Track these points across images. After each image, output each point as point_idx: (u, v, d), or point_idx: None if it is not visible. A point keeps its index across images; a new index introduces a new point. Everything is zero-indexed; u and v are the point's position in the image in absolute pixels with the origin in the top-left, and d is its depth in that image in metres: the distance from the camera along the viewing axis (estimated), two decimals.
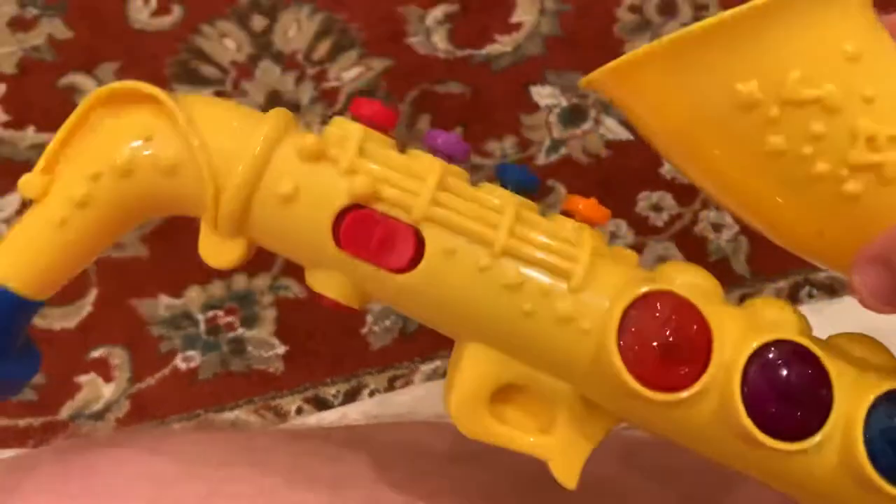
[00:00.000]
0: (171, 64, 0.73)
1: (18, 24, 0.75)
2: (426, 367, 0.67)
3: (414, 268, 0.25)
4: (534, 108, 0.73)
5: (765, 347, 0.24)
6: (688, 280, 0.25)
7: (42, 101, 0.72)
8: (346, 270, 0.25)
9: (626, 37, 0.75)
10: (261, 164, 0.24)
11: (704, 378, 0.24)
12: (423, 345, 0.67)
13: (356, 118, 0.26)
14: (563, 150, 0.71)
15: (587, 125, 0.73)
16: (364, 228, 0.24)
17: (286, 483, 0.29)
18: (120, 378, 0.66)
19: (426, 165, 0.25)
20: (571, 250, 0.25)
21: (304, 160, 0.25)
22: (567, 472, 0.26)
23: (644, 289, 0.24)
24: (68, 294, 0.67)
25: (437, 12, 0.76)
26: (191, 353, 0.66)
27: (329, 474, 0.30)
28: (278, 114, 0.25)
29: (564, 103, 0.73)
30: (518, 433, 0.26)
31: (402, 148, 0.26)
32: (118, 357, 0.66)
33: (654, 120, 0.26)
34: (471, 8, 0.76)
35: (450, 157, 0.26)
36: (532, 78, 0.74)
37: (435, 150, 0.26)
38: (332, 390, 0.66)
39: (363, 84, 0.73)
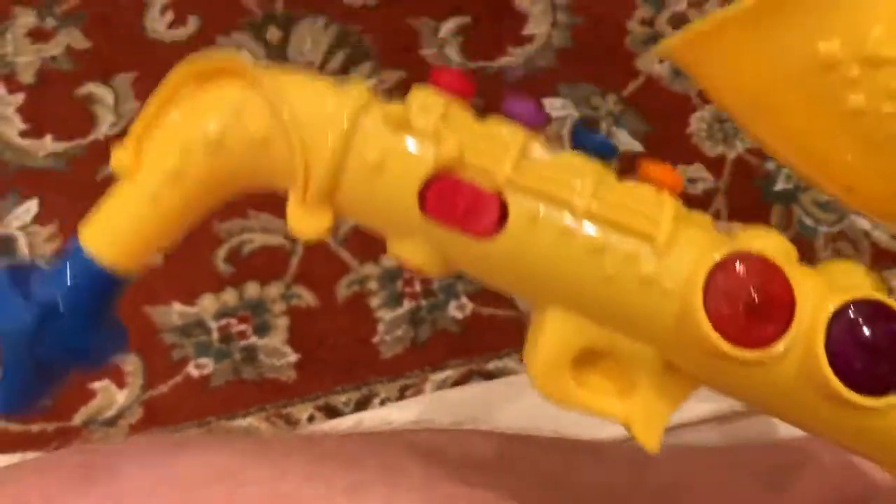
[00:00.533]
0: None
1: (37, 35, 0.76)
2: (436, 377, 0.67)
3: (498, 233, 0.25)
4: (546, 120, 0.74)
5: (846, 306, 0.24)
6: (767, 243, 0.26)
7: (59, 110, 0.73)
8: (430, 237, 0.26)
9: (638, 49, 0.76)
10: (350, 133, 0.25)
11: (789, 334, 0.24)
12: (434, 354, 0.68)
13: (436, 87, 0.26)
14: None
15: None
16: (450, 195, 0.25)
17: (303, 488, 0.30)
18: (133, 385, 0.66)
19: (507, 132, 0.25)
20: (653, 213, 0.25)
21: (391, 129, 0.25)
22: (649, 436, 0.26)
23: (728, 250, 0.25)
24: None
25: (450, 24, 0.76)
26: (203, 360, 0.67)
27: (345, 480, 0.31)
28: (361, 83, 0.26)
29: (576, 115, 0.74)
30: (599, 397, 0.27)
31: (482, 116, 0.27)
32: (131, 364, 0.67)
33: (731, 85, 0.26)
34: (483, 20, 0.76)
35: (528, 125, 0.26)
36: (544, 90, 0.75)
37: (514, 119, 0.26)
38: (343, 398, 0.66)
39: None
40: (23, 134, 0.72)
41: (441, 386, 0.66)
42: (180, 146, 0.25)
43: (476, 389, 0.44)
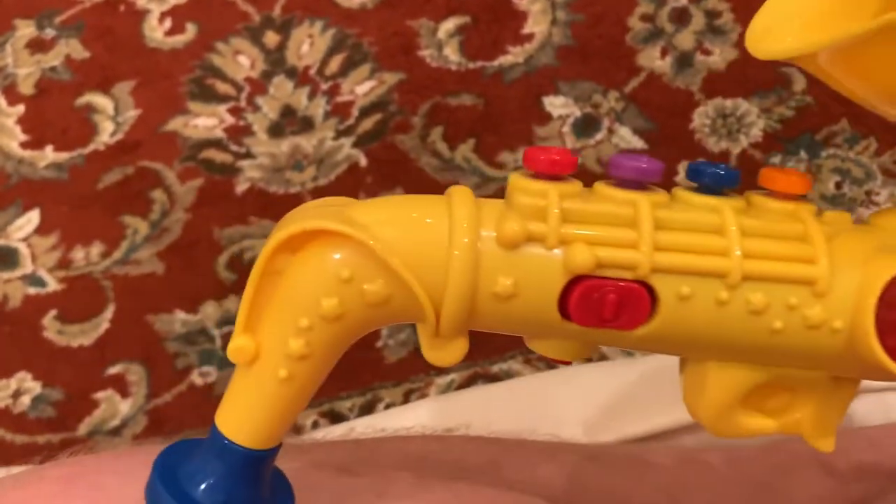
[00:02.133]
0: (185, 81, 0.74)
1: (37, 46, 0.76)
2: (441, 381, 0.66)
3: (651, 319, 0.24)
4: (547, 118, 0.73)
5: None
6: None
7: (60, 120, 0.73)
8: (578, 337, 0.24)
9: (639, 46, 0.75)
10: (472, 270, 0.23)
11: None
12: None
13: (534, 173, 0.24)
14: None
15: (600, 135, 0.72)
16: (593, 300, 0.23)
17: None
18: (137, 394, 0.66)
19: (630, 207, 0.24)
20: (806, 249, 0.24)
21: (510, 249, 0.23)
22: (823, 439, 0.26)
23: (891, 273, 0.23)
24: (86, 311, 0.68)
25: (449, 25, 0.76)
26: (207, 368, 0.67)
27: (334, 488, 0.30)
28: (464, 199, 0.24)
29: (578, 113, 0.73)
30: (769, 421, 0.26)
31: (587, 189, 0.25)
32: (135, 373, 0.67)
33: (869, 85, 0.25)
34: (482, 20, 0.76)
35: (643, 185, 0.24)
36: (545, 88, 0.74)
37: (625, 181, 0.24)
38: (348, 404, 0.66)
39: (376, 98, 0.74)
40: (23, 145, 0.72)
41: (446, 390, 0.66)
42: (300, 325, 0.23)
43: (474, 394, 0.43)
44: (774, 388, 0.26)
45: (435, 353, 0.24)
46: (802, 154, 0.72)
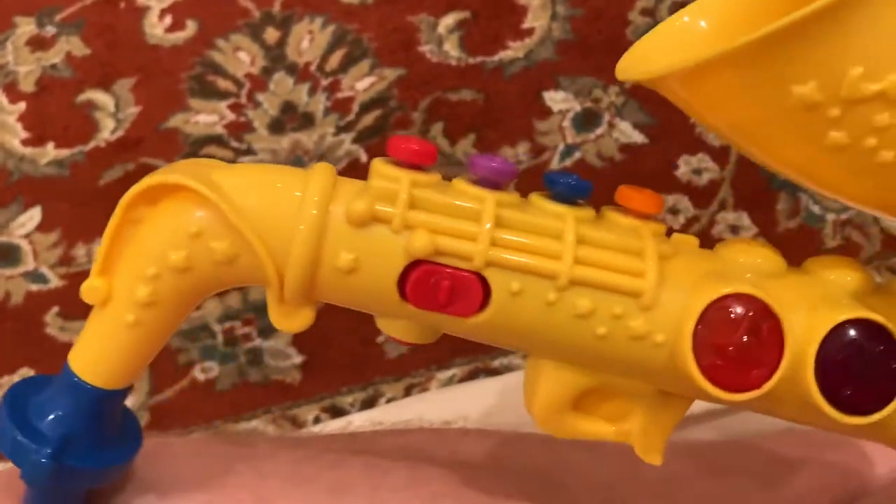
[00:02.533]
0: (186, 78, 0.74)
1: (37, 43, 0.76)
2: (442, 375, 0.66)
3: (482, 309, 0.25)
4: (547, 113, 0.73)
5: (834, 330, 0.24)
6: (750, 261, 0.26)
7: (61, 117, 0.73)
8: (416, 318, 0.26)
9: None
10: (316, 242, 0.24)
11: (778, 374, 0.24)
12: (440, 353, 0.67)
13: (396, 160, 0.25)
14: (577, 155, 0.71)
15: (601, 129, 0.72)
16: (428, 285, 0.25)
17: (285, 489, 0.29)
18: (139, 390, 0.66)
19: (477, 203, 0.25)
20: (637, 264, 0.25)
21: (357, 227, 0.25)
22: (650, 453, 0.27)
23: (712, 297, 0.25)
24: (88, 308, 0.68)
25: (449, 20, 0.76)
26: (209, 363, 0.67)
27: (329, 480, 0.30)
28: (321, 176, 0.25)
29: (578, 108, 0.73)
30: (600, 425, 0.27)
31: (445, 181, 0.26)
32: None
33: (713, 118, 0.26)
34: (482, 15, 0.76)
35: (497, 184, 0.26)
36: (545, 83, 0.74)
37: (482, 180, 0.26)
38: (349, 399, 0.66)
39: (376, 94, 0.74)
40: (25, 142, 0.73)
41: (447, 384, 0.66)
42: (148, 273, 0.25)
43: (472, 387, 0.43)
44: (609, 394, 0.27)
45: (280, 319, 0.26)
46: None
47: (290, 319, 0.26)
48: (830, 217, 0.70)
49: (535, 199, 0.26)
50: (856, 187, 0.25)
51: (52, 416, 0.26)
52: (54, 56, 0.75)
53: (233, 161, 0.71)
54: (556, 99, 0.73)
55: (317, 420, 0.65)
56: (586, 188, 0.27)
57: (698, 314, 0.24)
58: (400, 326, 0.27)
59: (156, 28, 0.76)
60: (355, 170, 0.71)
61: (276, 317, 0.26)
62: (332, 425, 0.37)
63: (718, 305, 0.24)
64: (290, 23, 0.76)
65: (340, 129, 0.72)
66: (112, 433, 0.27)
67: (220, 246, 0.25)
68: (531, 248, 0.25)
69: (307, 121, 0.73)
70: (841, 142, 0.23)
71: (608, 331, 0.25)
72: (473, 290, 0.25)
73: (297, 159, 0.71)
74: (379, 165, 0.26)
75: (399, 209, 0.25)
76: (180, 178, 0.25)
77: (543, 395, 0.27)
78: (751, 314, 0.24)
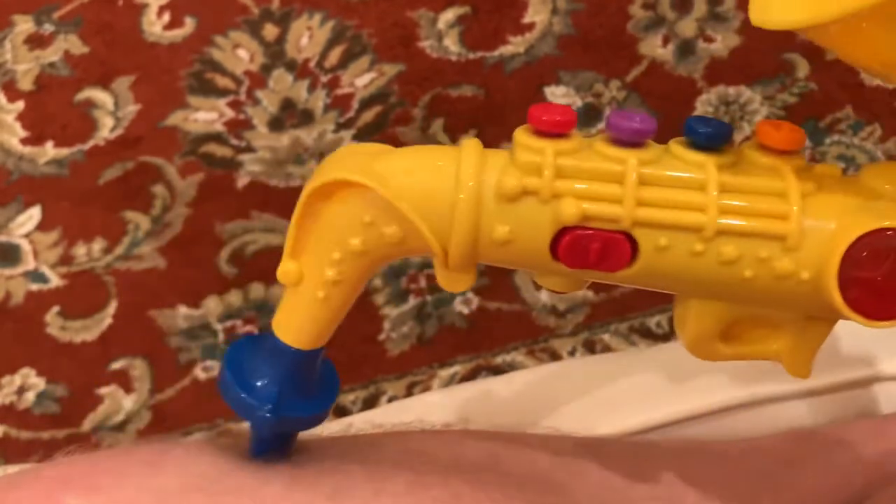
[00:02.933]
0: (185, 76, 0.74)
1: (35, 42, 0.76)
2: (444, 373, 0.66)
3: (632, 264, 0.26)
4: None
5: None
6: (894, 188, 0.26)
7: (60, 116, 0.73)
8: (569, 275, 0.27)
9: (640, 34, 0.74)
10: (474, 217, 0.26)
11: None
12: (442, 350, 0.67)
13: (538, 129, 0.26)
14: None
15: (602, 124, 0.72)
16: (579, 248, 0.26)
17: (285, 494, 0.29)
18: (140, 389, 0.66)
19: (620, 164, 0.26)
20: (781, 206, 0.26)
21: (508, 201, 0.26)
22: (800, 369, 0.28)
23: (856, 234, 0.25)
24: (88, 307, 0.68)
25: (449, 15, 0.75)
26: (210, 363, 0.67)
27: (329, 484, 0.30)
28: (472, 153, 0.26)
29: (579, 103, 0.73)
30: (747, 348, 0.28)
31: (587, 143, 0.27)
32: (138, 368, 0.67)
33: (868, 61, 0.26)
34: (482, 9, 0.75)
35: (636, 143, 0.26)
36: (546, 78, 0.73)
37: (621, 140, 0.26)
38: (351, 397, 0.66)
39: (376, 90, 0.73)
40: (24, 141, 0.72)
41: (449, 382, 0.66)
42: (333, 258, 0.28)
43: (473, 387, 0.43)
44: (755, 321, 0.28)
45: (447, 282, 0.28)
46: (807, 141, 0.71)
47: (456, 282, 0.28)
48: None
49: (676, 149, 0.27)
50: None
51: (266, 377, 0.30)
52: (52, 54, 0.75)
53: (233, 159, 0.71)
54: (557, 94, 0.73)
55: None
56: (726, 133, 0.27)
57: (843, 252, 0.25)
58: (556, 280, 0.28)
59: (154, 25, 0.75)
60: None
61: (443, 281, 0.28)
62: (333, 426, 0.36)
63: (862, 242, 0.25)
64: (289, 19, 0.75)
65: (340, 126, 0.72)
66: (314, 386, 0.32)
67: (389, 230, 0.27)
68: (676, 203, 0.26)
69: (307, 118, 0.72)
70: None
71: (754, 273, 0.26)
72: (622, 248, 0.26)
73: (298, 157, 0.71)
74: (522, 136, 0.27)
75: (546, 181, 0.26)
76: (348, 174, 0.27)
77: (692, 328, 0.28)
78: (894, 247, 0.25)
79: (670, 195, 0.26)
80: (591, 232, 0.26)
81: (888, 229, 0.25)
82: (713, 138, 0.26)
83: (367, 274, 0.29)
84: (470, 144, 0.27)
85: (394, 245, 0.27)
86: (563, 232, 0.26)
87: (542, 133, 0.26)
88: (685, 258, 0.26)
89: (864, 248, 0.25)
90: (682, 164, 0.26)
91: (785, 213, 0.25)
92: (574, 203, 0.25)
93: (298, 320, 0.29)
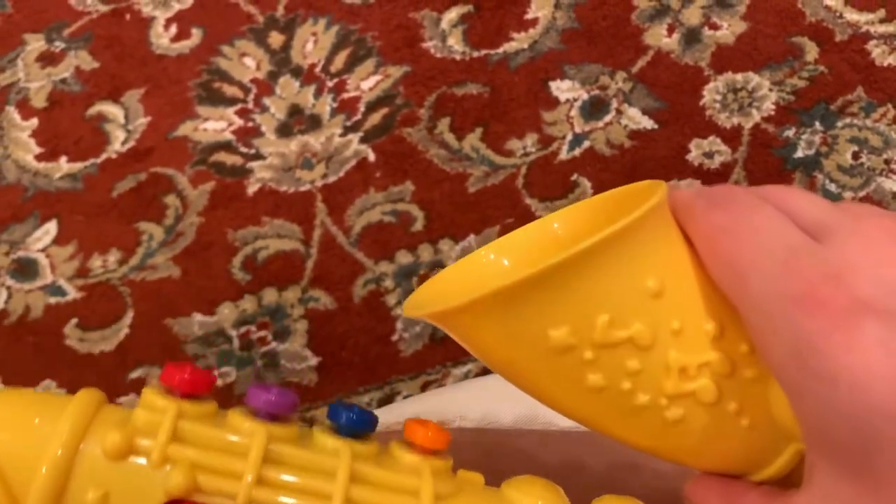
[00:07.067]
0: (193, 86, 0.75)
1: (47, 59, 0.77)
2: (458, 371, 0.66)
3: None
4: (554, 103, 0.72)
5: None
6: (531, 503, 0.26)
7: (73, 131, 0.74)
8: None
9: (645, 24, 0.74)
10: (61, 472, 0.23)
11: None
12: (454, 349, 0.67)
13: (168, 388, 0.24)
14: (585, 144, 0.70)
15: (609, 116, 0.71)
16: None
17: None
18: None
19: (247, 438, 0.24)
20: (410, 503, 0.25)
21: (112, 459, 0.23)
22: None
23: None
24: (106, 318, 0.69)
25: (452, 14, 0.75)
26: (226, 369, 0.67)
27: None
28: (81, 403, 0.24)
29: (585, 96, 0.72)
30: None
31: (221, 412, 0.25)
32: (157, 377, 0.67)
33: (481, 354, 0.25)
34: (485, 7, 0.75)
35: (274, 416, 0.25)
36: (551, 73, 0.73)
37: (258, 412, 0.25)
38: (366, 398, 0.66)
39: (382, 92, 0.73)
40: (38, 157, 0.74)
41: (462, 379, 0.66)
42: None
43: (470, 385, 0.43)
44: None
45: None
46: (818, 125, 0.70)
47: None
48: (848, 195, 0.68)
49: (317, 432, 0.26)
50: (623, 429, 0.25)
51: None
52: (64, 70, 0.76)
53: (242, 167, 0.72)
54: (562, 88, 0.73)
55: None
56: (368, 421, 0.26)
57: None
58: None
59: (162, 38, 0.76)
60: (364, 170, 0.71)
61: None
62: None
63: None
64: (294, 25, 0.76)
65: (348, 130, 0.72)
66: None
67: None
68: (301, 487, 0.24)
69: (314, 122, 0.73)
70: (598, 384, 0.23)
71: None
72: None
73: (306, 161, 0.72)
74: (149, 395, 0.24)
75: (158, 444, 0.23)
76: None
77: None
78: None
79: (296, 478, 0.24)
80: None
81: None
82: (355, 424, 0.25)
83: None
84: (80, 398, 0.24)
85: None
86: (174, 503, 0.23)
87: (175, 391, 0.24)
88: None
89: None
90: (318, 447, 0.25)
91: None
92: (185, 472, 0.23)
93: None
